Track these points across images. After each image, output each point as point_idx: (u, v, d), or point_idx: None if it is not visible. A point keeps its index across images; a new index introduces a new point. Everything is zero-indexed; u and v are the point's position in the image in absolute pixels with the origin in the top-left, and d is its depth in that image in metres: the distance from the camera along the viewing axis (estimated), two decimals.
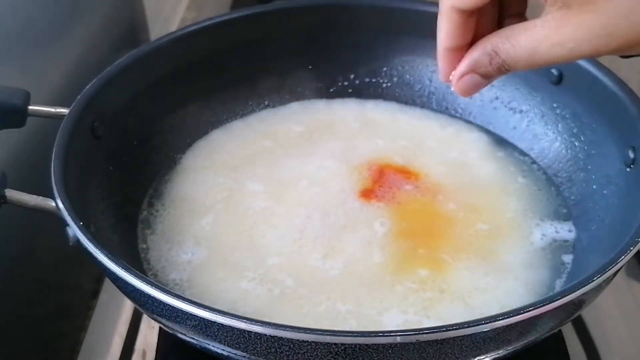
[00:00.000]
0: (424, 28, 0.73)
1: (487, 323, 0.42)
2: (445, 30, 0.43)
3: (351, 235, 0.59)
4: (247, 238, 0.59)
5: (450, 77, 0.44)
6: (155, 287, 0.44)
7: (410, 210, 0.62)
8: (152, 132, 0.67)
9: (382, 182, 0.64)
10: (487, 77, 0.43)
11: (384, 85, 0.76)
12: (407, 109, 0.74)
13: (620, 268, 0.46)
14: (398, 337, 0.41)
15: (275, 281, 0.56)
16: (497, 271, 0.57)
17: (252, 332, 0.42)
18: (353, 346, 0.41)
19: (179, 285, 0.56)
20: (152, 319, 0.49)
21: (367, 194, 0.63)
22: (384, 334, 0.41)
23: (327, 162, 0.67)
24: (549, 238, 0.60)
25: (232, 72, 0.72)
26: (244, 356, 0.44)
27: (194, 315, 0.43)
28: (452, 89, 0.45)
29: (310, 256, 0.58)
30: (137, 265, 0.57)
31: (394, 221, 0.60)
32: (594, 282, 0.45)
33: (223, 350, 0.45)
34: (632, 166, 0.57)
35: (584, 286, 0.44)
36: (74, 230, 0.48)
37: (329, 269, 0.57)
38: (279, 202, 0.63)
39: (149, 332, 0.62)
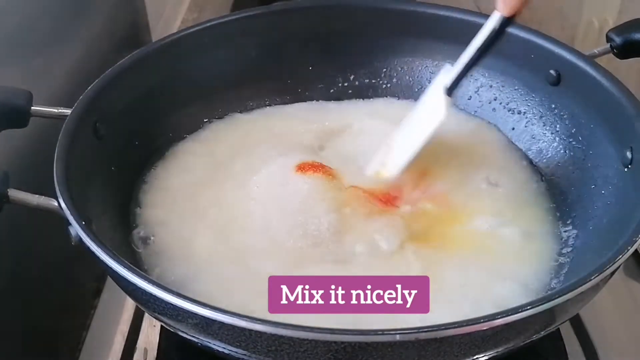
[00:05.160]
0: (423, 30, 0.73)
1: (485, 322, 0.42)
2: None
3: (352, 236, 0.60)
4: (250, 236, 0.60)
5: None
6: (157, 286, 0.44)
7: (411, 210, 0.62)
8: (153, 132, 0.68)
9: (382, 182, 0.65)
10: None
11: (384, 86, 0.76)
12: (407, 110, 0.74)
13: (618, 267, 0.47)
14: (397, 336, 0.41)
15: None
16: (495, 269, 0.57)
17: (252, 330, 0.42)
18: (353, 344, 0.41)
19: (181, 282, 0.57)
20: (154, 317, 0.49)
21: (367, 192, 0.63)
22: (383, 332, 0.41)
23: (326, 162, 0.67)
24: (547, 237, 0.60)
25: (233, 73, 0.73)
26: (245, 354, 0.45)
27: (195, 313, 0.43)
28: None
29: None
30: (139, 264, 0.58)
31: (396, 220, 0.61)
32: (591, 281, 0.45)
33: (224, 348, 0.45)
34: (629, 166, 0.57)
35: (581, 285, 0.44)
36: (76, 229, 0.48)
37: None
38: (281, 199, 0.63)
39: (150, 331, 0.63)
